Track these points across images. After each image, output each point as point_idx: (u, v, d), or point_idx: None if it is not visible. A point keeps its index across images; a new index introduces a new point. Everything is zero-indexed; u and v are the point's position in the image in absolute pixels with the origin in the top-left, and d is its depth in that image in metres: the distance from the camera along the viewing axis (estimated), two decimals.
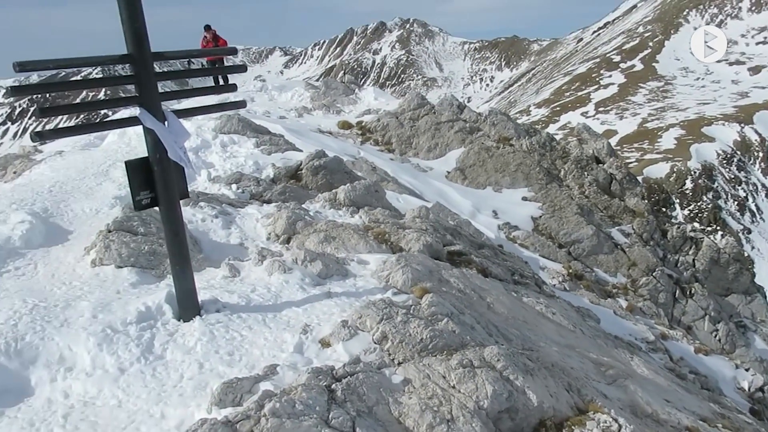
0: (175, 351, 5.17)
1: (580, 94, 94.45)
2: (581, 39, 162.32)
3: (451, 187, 19.58)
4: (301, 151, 13.79)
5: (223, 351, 5.16)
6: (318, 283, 6.66)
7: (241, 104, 6.14)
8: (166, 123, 5.32)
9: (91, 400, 4.63)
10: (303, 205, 10.09)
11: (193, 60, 20.96)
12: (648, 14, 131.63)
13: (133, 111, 5.91)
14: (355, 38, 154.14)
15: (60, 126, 5.41)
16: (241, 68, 6.40)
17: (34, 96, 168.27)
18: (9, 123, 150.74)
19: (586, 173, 20.03)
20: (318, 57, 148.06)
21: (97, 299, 6.01)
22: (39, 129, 4.93)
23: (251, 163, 12.14)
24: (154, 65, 5.26)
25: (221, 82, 19.44)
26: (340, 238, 8.22)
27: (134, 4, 5.06)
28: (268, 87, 26.97)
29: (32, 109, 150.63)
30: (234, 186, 10.82)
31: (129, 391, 4.68)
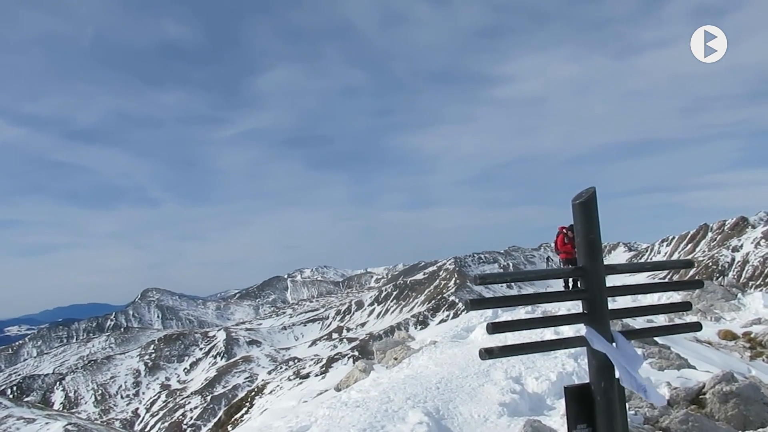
0: None
1: None
2: None
3: None
4: (695, 368, 11.70)
5: None
6: None
7: (696, 327, 5.07)
8: (614, 344, 4.55)
9: None
10: None
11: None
12: None
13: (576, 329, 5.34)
14: (710, 234, 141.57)
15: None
16: (698, 284, 5.43)
17: (402, 280, 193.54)
18: (375, 304, 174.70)
19: None
20: (666, 253, 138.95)
21: None
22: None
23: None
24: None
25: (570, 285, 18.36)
26: None
27: (591, 214, 4.64)
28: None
29: (394, 293, 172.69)
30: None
31: None
